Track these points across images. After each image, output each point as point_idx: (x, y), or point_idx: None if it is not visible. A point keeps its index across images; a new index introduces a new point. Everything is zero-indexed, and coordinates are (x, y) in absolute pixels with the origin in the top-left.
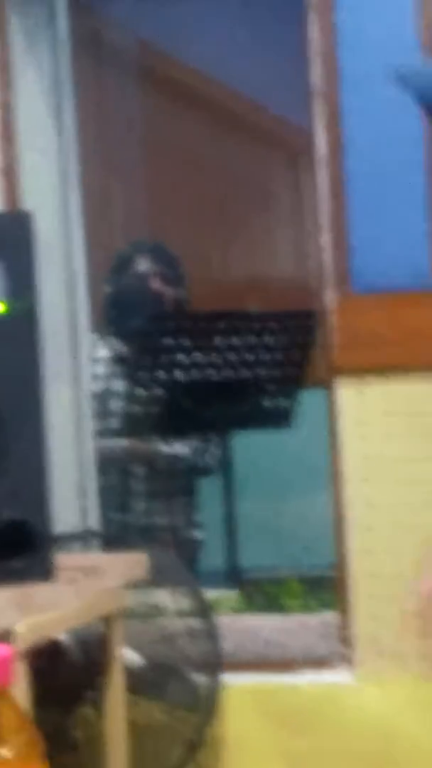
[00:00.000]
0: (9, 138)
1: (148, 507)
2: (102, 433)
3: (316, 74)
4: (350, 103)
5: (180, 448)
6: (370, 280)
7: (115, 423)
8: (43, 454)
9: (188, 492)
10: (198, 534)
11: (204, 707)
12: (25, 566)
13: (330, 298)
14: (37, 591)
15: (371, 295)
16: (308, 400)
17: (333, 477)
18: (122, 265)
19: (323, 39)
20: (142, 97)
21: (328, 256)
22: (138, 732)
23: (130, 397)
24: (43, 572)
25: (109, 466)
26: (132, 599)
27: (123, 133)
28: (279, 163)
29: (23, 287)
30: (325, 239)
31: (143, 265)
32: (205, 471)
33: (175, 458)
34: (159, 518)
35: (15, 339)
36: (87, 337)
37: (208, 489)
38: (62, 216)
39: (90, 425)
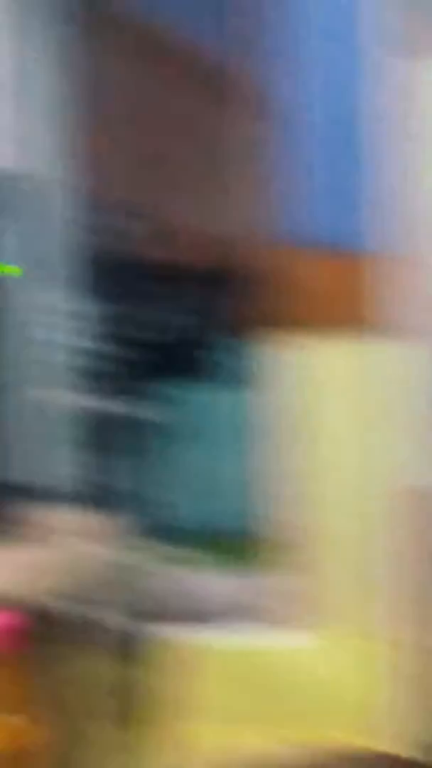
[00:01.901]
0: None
1: (95, 463)
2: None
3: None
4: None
5: (119, 404)
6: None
7: (61, 376)
8: None
9: (139, 450)
10: (143, 490)
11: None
12: None
13: (273, 253)
14: None
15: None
16: (244, 354)
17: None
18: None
19: None
20: (130, 58)
21: (275, 212)
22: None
23: (77, 350)
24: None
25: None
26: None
27: (112, 92)
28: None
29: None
30: (274, 194)
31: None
32: (153, 427)
33: (116, 414)
34: (107, 476)
35: None
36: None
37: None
38: (53, 175)
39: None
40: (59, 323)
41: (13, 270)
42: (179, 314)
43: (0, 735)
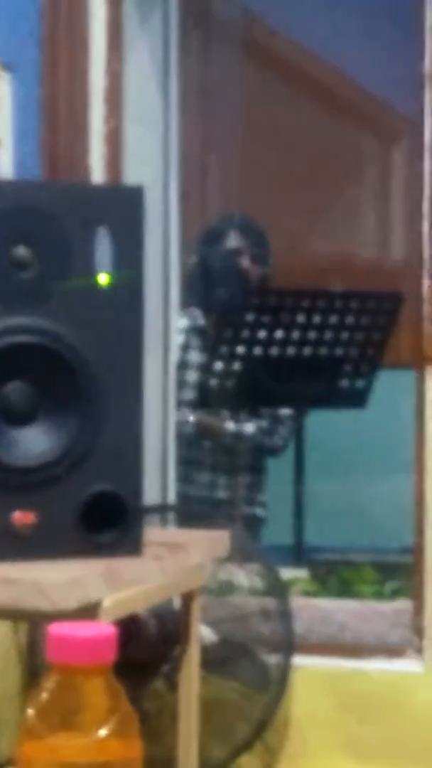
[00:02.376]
0: (116, 106)
1: (211, 482)
2: (176, 404)
3: (429, 57)
4: None
5: (247, 427)
6: None
7: (188, 394)
8: (139, 428)
9: (255, 470)
10: (260, 512)
11: (273, 687)
12: (115, 540)
13: (425, 285)
14: (124, 565)
15: None
16: (388, 382)
17: (416, 465)
18: (211, 238)
19: None
20: (246, 72)
21: (426, 243)
22: (207, 708)
23: (205, 369)
24: (132, 547)
25: (178, 439)
26: (208, 575)
27: (224, 106)
28: (374, 146)
29: (128, 260)
30: (425, 226)
31: (233, 241)
32: (272, 451)
33: (240, 436)
34: (222, 493)
35: (118, 311)
36: (177, 310)
37: (281, 466)
38: (161, 187)
39: (174, 399)
40: (192, 343)
41: (108, 281)
42: (320, 341)
43: (88, 748)
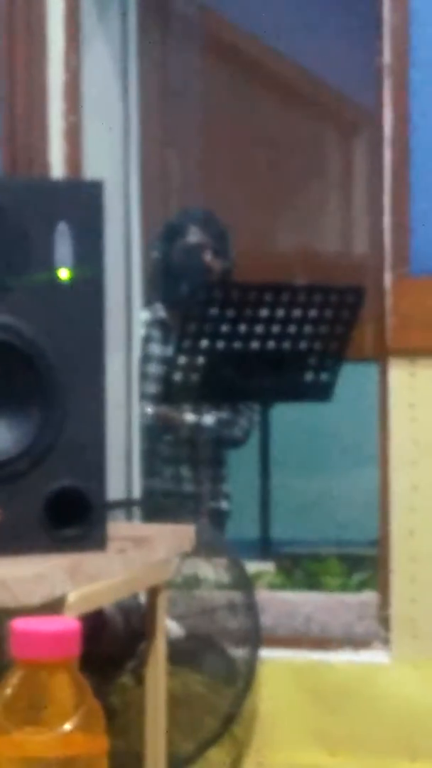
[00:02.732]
0: (75, 101)
1: (175, 475)
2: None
3: (386, 50)
4: (419, 81)
5: (206, 418)
6: (428, 262)
7: (151, 387)
8: (102, 423)
9: (217, 463)
10: (225, 504)
11: (240, 681)
12: (79, 535)
13: (387, 278)
14: (89, 560)
15: (429, 277)
16: (351, 376)
17: (380, 457)
18: (173, 233)
19: (395, 15)
20: (206, 66)
21: (386, 236)
22: (174, 702)
23: (167, 362)
24: (97, 541)
25: (142, 433)
26: (173, 569)
27: (184, 101)
28: (334, 140)
29: (89, 255)
30: (385, 219)
31: (194, 236)
32: (232, 443)
33: (199, 428)
34: (186, 487)
35: (79, 306)
36: (139, 305)
37: (246, 460)
38: (121, 182)
39: (137, 394)
40: (154, 336)
41: (69, 276)
42: (283, 335)
43: (53, 742)
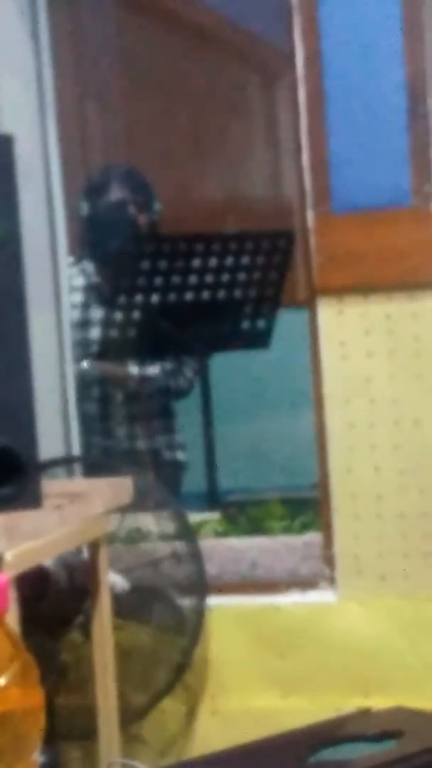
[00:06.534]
0: None
1: (127, 431)
2: (82, 360)
3: None
4: (327, 17)
5: (150, 369)
6: (349, 199)
7: (94, 350)
8: (28, 381)
9: (166, 414)
10: (181, 455)
11: (189, 630)
12: (12, 493)
13: (309, 217)
14: (24, 518)
15: (350, 214)
16: (288, 321)
17: (314, 397)
18: (96, 189)
19: None
20: (120, 16)
21: (306, 176)
22: (125, 655)
23: (107, 323)
24: (31, 499)
25: (86, 390)
26: (115, 523)
27: (98, 53)
28: (256, 85)
29: (4, 212)
30: (304, 159)
31: (117, 192)
32: (179, 393)
33: (145, 380)
34: (139, 442)
35: None
36: (66, 261)
37: (187, 411)
38: (39, 138)
39: (70, 350)
40: (93, 300)
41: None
42: (217, 284)
43: None
